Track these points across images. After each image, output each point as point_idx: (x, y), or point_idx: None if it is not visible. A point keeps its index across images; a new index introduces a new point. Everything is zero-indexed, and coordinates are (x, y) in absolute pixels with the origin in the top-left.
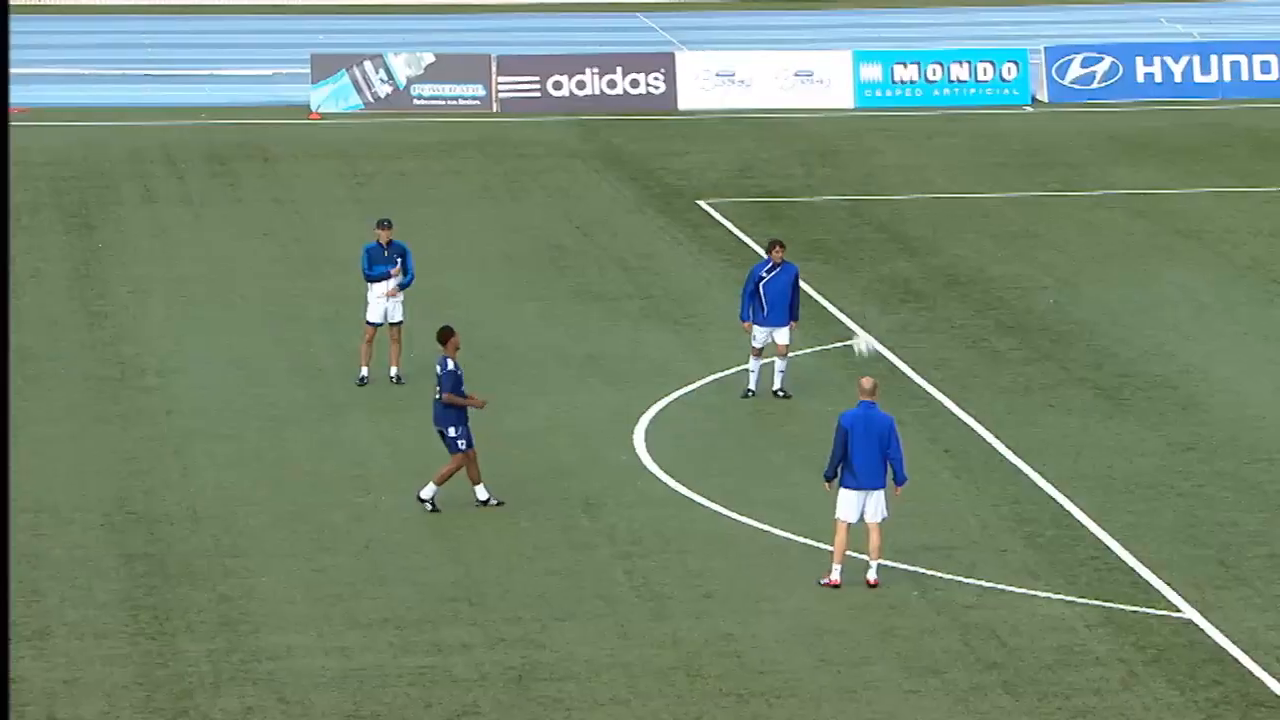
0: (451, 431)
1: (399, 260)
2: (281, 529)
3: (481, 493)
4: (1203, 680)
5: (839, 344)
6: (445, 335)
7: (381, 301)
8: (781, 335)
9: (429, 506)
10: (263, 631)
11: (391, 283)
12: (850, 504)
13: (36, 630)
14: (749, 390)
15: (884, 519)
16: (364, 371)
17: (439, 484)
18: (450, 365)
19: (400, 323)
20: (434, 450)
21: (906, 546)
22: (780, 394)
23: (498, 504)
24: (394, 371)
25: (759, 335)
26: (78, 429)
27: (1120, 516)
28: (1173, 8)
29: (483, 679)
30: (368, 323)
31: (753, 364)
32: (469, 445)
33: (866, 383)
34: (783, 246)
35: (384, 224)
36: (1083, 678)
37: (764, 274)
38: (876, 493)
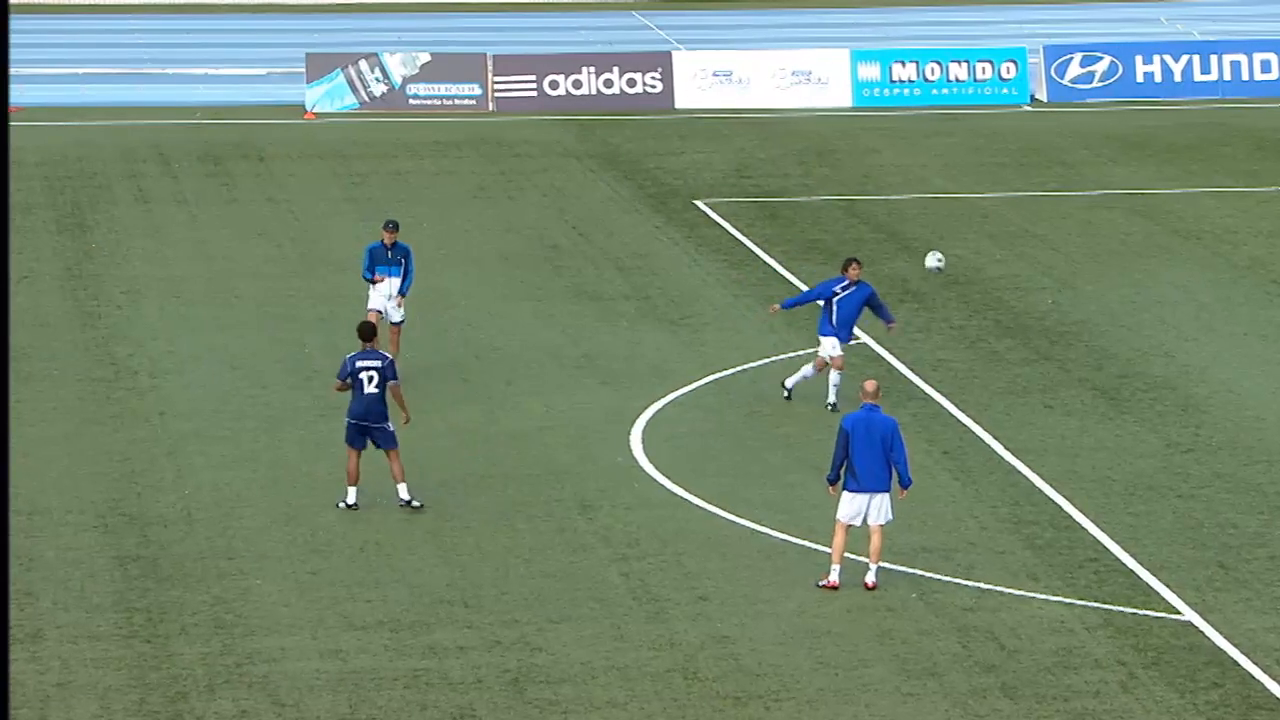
0: (391, 425)
1: (401, 261)
2: (276, 531)
3: (353, 496)
4: (1202, 683)
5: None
6: (374, 331)
7: (383, 296)
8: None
9: (415, 504)
10: (257, 634)
11: (393, 285)
12: (852, 506)
13: (29, 633)
14: (832, 404)
15: (887, 522)
16: None
17: (402, 479)
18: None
19: (401, 323)
20: (427, 450)
21: (905, 548)
22: (788, 395)
23: (349, 507)
24: None
25: (828, 347)
26: (71, 430)
27: (1119, 518)
28: (1172, 7)
29: (478, 682)
30: (370, 310)
31: (834, 376)
32: None
33: (869, 385)
34: (859, 265)
35: (390, 225)
36: (1082, 680)
37: (838, 290)
38: (880, 495)
